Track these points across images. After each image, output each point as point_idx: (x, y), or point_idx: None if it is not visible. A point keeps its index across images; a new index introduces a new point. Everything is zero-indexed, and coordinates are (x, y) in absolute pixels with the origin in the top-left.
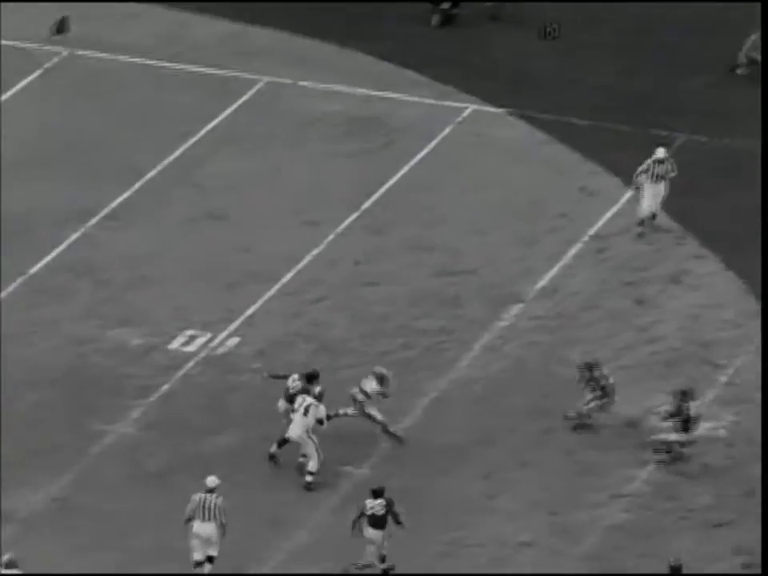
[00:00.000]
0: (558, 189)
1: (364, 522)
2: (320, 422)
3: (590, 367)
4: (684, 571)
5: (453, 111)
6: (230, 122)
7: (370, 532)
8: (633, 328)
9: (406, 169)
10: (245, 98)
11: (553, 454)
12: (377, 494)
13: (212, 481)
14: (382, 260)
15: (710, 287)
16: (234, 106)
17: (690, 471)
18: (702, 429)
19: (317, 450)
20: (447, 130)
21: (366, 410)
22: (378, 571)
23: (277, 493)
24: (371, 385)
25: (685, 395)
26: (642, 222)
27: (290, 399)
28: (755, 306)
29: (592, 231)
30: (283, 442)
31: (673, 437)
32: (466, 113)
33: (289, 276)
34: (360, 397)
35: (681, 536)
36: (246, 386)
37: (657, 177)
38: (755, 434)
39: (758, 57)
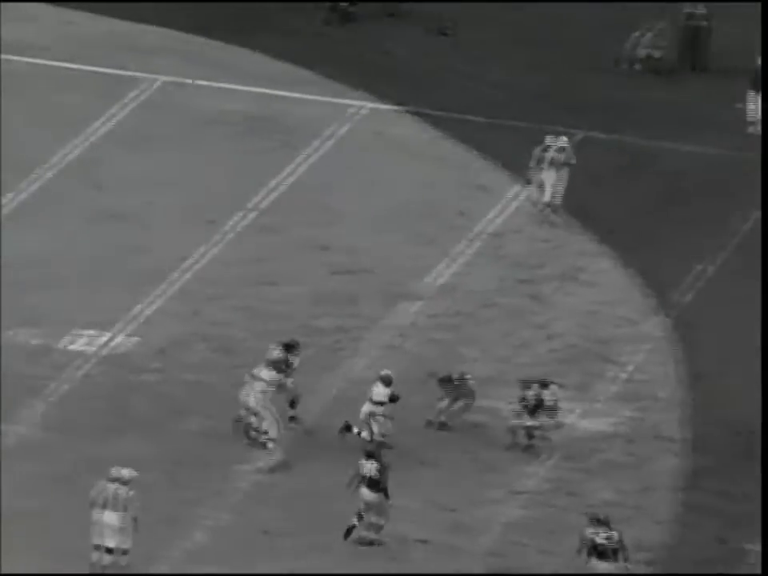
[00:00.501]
0: (454, 186)
1: (360, 482)
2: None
3: (449, 379)
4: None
5: (349, 110)
6: (127, 122)
7: (365, 493)
8: (530, 325)
9: (303, 168)
10: (142, 97)
11: (451, 452)
12: (369, 455)
13: (127, 473)
14: (280, 259)
15: (606, 284)
16: (132, 106)
17: (589, 467)
18: (600, 425)
19: (275, 418)
20: (344, 129)
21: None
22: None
23: (177, 491)
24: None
25: (528, 385)
26: (544, 207)
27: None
28: (651, 303)
29: (489, 229)
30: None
31: (527, 423)
32: (362, 111)
33: (187, 275)
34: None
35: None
36: (145, 385)
37: (557, 164)
38: (654, 430)
39: (655, 53)
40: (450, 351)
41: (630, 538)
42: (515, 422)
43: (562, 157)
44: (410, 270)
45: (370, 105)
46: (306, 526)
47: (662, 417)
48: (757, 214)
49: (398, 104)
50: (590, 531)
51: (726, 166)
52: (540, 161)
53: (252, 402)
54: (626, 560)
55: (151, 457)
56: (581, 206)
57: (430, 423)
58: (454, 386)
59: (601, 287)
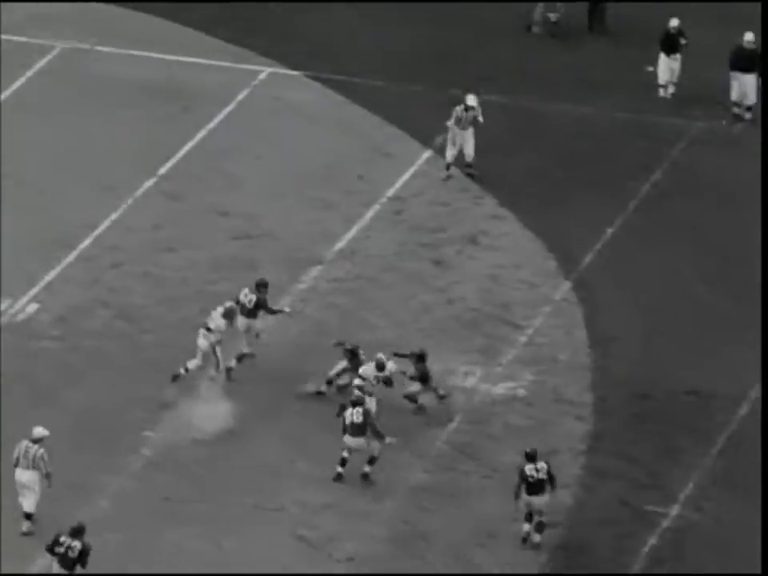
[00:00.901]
0: (355, 151)
1: (347, 429)
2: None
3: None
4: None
5: (249, 75)
6: (26, 89)
7: (350, 440)
8: (431, 289)
9: (203, 133)
10: (41, 64)
11: None
12: (355, 403)
13: (38, 431)
14: (180, 225)
15: (508, 247)
16: (30, 73)
17: (491, 431)
18: (502, 388)
19: (218, 360)
20: (243, 94)
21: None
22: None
23: (80, 458)
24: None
25: (420, 357)
26: (448, 167)
27: (249, 314)
28: (552, 266)
29: (389, 193)
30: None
31: (413, 389)
32: (262, 76)
33: (87, 242)
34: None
35: (484, 496)
36: (46, 352)
37: (464, 123)
38: (555, 393)
39: (552, 17)
40: (351, 316)
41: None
42: (411, 389)
43: (470, 115)
44: (310, 234)
45: (270, 70)
46: (207, 492)
47: (563, 380)
48: (656, 177)
49: (297, 69)
50: (527, 467)
51: (627, 129)
52: (459, 120)
53: (203, 345)
54: (553, 489)
55: (54, 424)
56: (480, 170)
57: (329, 384)
58: (350, 354)
59: (502, 251)
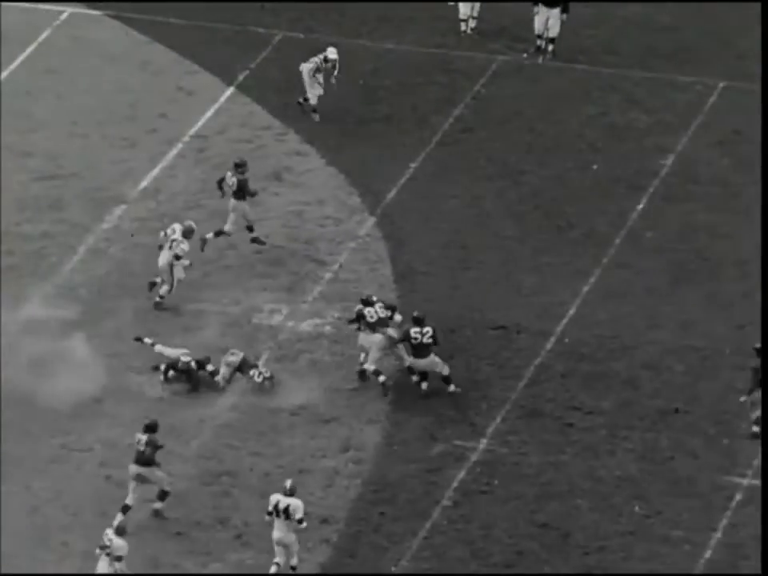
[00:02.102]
0: (156, 89)
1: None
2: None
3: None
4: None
5: (50, 15)
6: None
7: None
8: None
9: (4, 74)
10: None
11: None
12: (366, 303)
13: None
14: None
15: (311, 184)
16: None
17: (297, 368)
18: (307, 325)
19: (173, 280)
20: (44, 34)
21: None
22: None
23: None
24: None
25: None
26: (315, 110)
27: (235, 195)
28: (356, 201)
29: (192, 131)
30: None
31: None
32: (63, 16)
33: None
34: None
35: (291, 433)
36: None
37: (325, 73)
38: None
39: None
40: (155, 255)
41: (340, 439)
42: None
43: (328, 67)
44: (114, 174)
45: (71, 10)
46: (14, 434)
47: None
48: (458, 112)
49: (98, 8)
50: (413, 330)
51: (429, 64)
52: (318, 70)
53: (163, 264)
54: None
55: None
56: (283, 106)
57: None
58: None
59: (306, 187)
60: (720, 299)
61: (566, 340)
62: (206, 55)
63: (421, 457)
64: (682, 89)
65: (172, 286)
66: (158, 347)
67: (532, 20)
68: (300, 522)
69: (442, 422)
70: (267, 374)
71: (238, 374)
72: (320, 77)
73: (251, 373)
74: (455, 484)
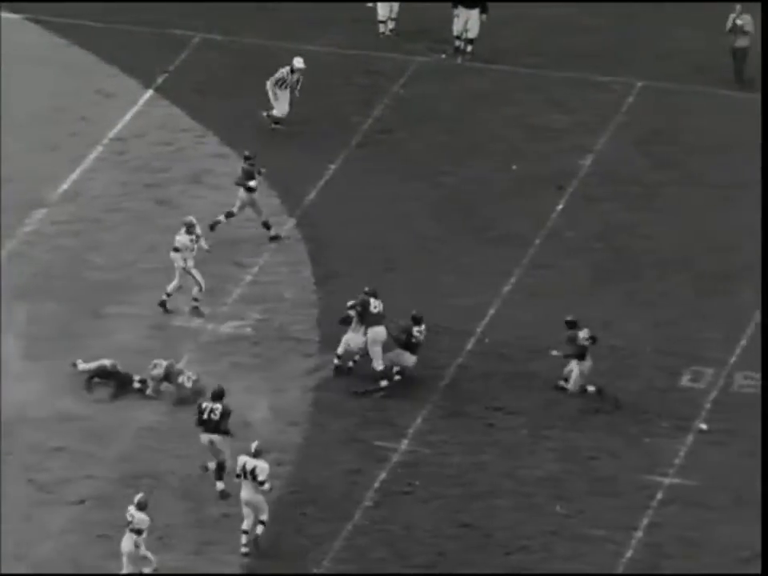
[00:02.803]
0: (76, 92)
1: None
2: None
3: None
4: None
5: None
6: None
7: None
8: (156, 229)
9: None
10: None
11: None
12: (370, 294)
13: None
14: None
15: (232, 186)
16: None
17: (219, 370)
18: (228, 327)
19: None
20: None
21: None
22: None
23: None
24: None
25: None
26: (278, 122)
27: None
28: (276, 203)
29: (111, 134)
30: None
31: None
32: None
33: None
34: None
35: None
36: None
37: (288, 84)
38: (282, 331)
39: None
40: (77, 257)
41: (262, 440)
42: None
43: (294, 78)
44: (35, 177)
45: None
46: None
47: (290, 317)
48: (377, 112)
49: (17, 11)
50: (415, 329)
51: (348, 65)
52: (283, 82)
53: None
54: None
55: None
56: (201, 108)
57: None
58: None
59: (226, 190)
60: (639, 298)
61: (487, 340)
62: (124, 58)
63: (342, 458)
64: (601, 89)
65: (200, 285)
66: (81, 366)
67: (451, 21)
68: (262, 483)
69: (362, 422)
70: (194, 377)
71: (167, 384)
72: (285, 88)
73: (180, 380)
74: (377, 485)
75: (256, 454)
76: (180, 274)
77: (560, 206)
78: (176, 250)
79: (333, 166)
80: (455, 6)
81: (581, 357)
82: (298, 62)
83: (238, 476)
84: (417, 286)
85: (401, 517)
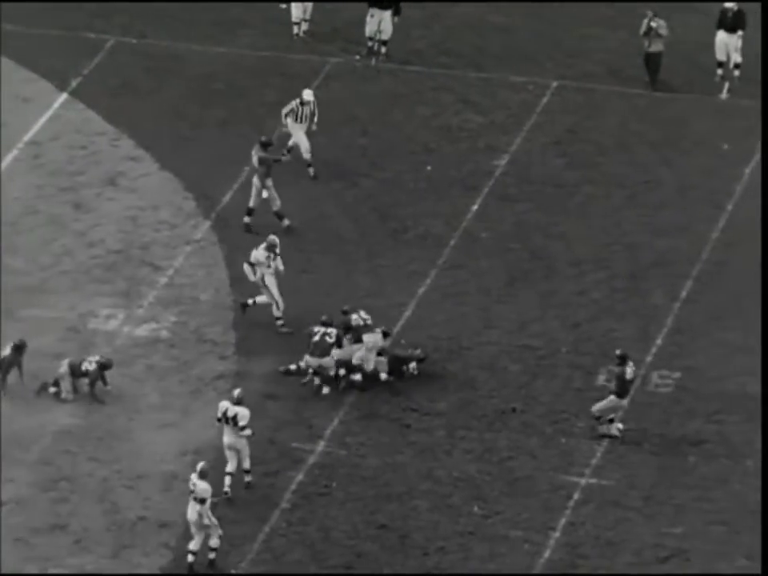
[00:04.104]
0: None
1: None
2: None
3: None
4: None
5: None
6: None
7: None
8: (72, 233)
9: None
10: None
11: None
12: (346, 313)
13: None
14: None
15: (146, 189)
16: None
17: (134, 373)
18: (144, 330)
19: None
20: None
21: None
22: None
23: None
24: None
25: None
26: (290, 150)
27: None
28: (191, 206)
29: (27, 137)
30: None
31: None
32: None
33: None
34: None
35: (129, 438)
36: None
37: (302, 118)
38: (197, 333)
39: None
40: None
41: (178, 443)
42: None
43: (306, 110)
44: None
45: None
46: None
47: (206, 320)
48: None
49: None
50: (415, 352)
51: (262, 67)
52: (295, 114)
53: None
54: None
55: None
56: (116, 111)
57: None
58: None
59: (141, 192)
60: (555, 299)
61: (403, 341)
62: (39, 62)
63: (259, 460)
64: (515, 89)
65: (275, 300)
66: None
67: (364, 22)
68: (243, 429)
69: (279, 425)
70: (96, 358)
71: (73, 379)
72: (298, 121)
73: (83, 367)
74: (293, 486)
75: (238, 402)
76: (265, 292)
77: (475, 207)
78: (250, 264)
79: (247, 168)
80: (371, 6)
81: (622, 395)
82: (307, 95)
83: (219, 420)
84: (333, 287)
85: (318, 518)
